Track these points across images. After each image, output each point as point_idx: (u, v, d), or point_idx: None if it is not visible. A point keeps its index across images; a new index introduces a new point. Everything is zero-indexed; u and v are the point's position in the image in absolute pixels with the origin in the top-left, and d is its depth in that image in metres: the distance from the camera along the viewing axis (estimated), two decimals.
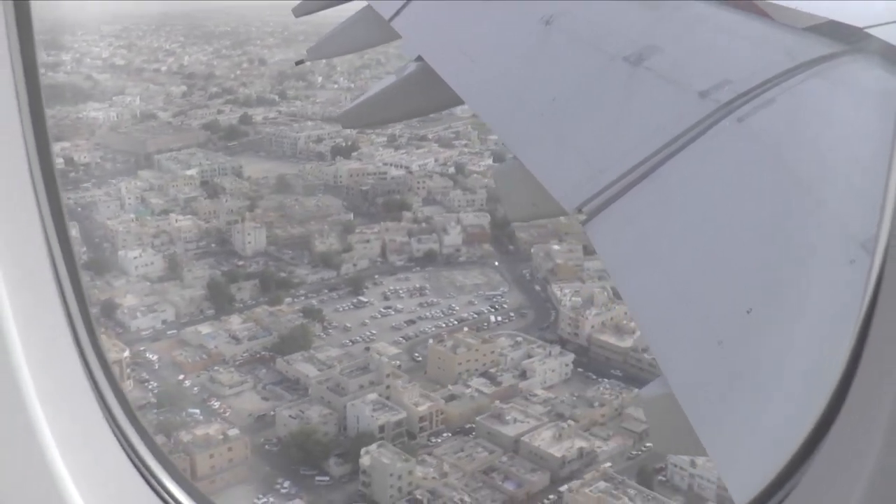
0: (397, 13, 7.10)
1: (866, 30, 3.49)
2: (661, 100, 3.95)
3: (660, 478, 62.69)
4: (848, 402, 2.07)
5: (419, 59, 6.36)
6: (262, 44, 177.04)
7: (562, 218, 5.07)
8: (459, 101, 5.74)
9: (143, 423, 3.58)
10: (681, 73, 4.01)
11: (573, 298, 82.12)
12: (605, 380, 73.93)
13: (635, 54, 4.25)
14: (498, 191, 5.42)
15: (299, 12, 10.52)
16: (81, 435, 3.32)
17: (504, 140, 4.89)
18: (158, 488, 3.49)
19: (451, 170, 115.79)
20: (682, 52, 4.29)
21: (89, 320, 3.37)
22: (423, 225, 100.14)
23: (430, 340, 78.73)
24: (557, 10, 5.25)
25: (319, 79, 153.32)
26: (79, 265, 3.37)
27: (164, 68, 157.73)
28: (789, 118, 3.39)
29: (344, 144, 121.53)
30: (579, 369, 75.72)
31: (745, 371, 2.66)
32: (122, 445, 3.45)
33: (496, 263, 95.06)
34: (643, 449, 65.21)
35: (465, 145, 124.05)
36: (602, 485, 58.59)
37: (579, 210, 3.65)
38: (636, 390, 70.79)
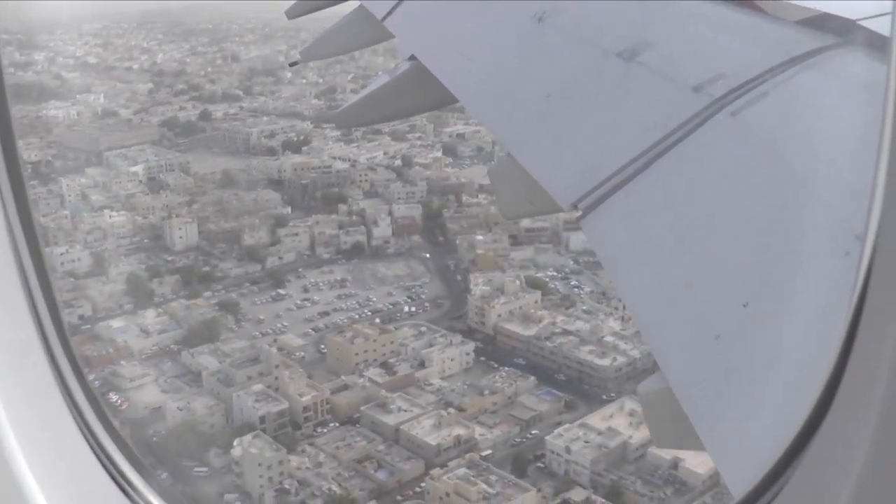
0: (390, 12, 7.11)
1: (858, 22, 3.52)
2: (655, 95, 3.98)
3: (538, 464, 62.82)
4: (838, 397, 2.08)
5: (412, 58, 6.41)
6: (241, 41, 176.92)
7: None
8: (454, 100, 5.77)
9: (115, 424, 3.51)
10: (674, 68, 4.05)
11: (483, 287, 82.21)
12: (505, 368, 73.90)
13: (628, 50, 4.26)
14: (493, 188, 5.52)
15: (292, 14, 10.49)
16: (50, 439, 3.26)
17: (498, 137, 5.05)
18: (130, 491, 3.41)
19: (398, 162, 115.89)
20: (674, 48, 4.35)
21: (59, 321, 3.33)
22: (355, 217, 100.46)
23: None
24: (550, 7, 5.29)
25: (289, 74, 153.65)
26: (48, 265, 3.31)
27: (136, 66, 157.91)
28: (783, 111, 3.41)
29: (295, 139, 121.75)
30: (482, 358, 75.45)
31: (743, 365, 2.68)
32: (92, 448, 3.37)
33: (426, 255, 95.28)
34: (529, 436, 65.40)
35: (419, 138, 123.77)
36: (462, 471, 58.86)
37: (575, 206, 3.67)
38: (532, 378, 71.05)
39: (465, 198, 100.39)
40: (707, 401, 2.70)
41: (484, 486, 57.24)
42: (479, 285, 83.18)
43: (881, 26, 3.33)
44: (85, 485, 3.37)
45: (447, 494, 57.40)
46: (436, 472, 59.61)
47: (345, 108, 8.44)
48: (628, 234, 3.56)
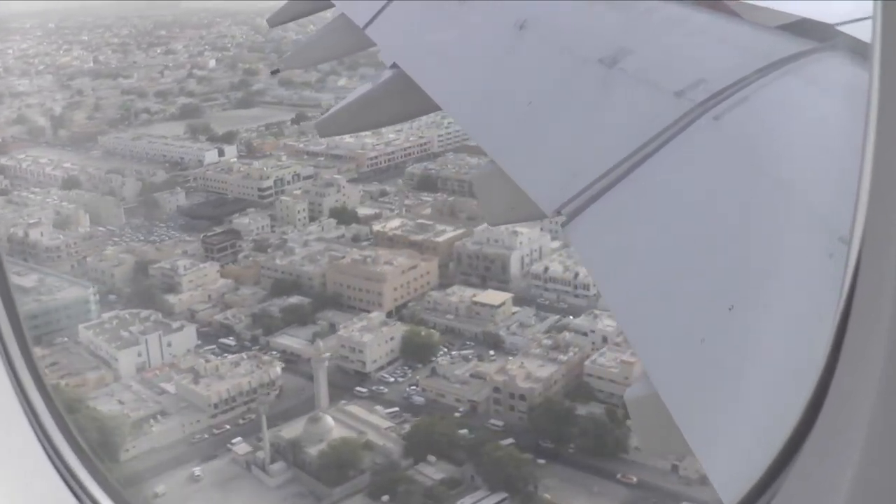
0: (371, 21, 7.15)
1: (837, 27, 3.51)
2: (637, 100, 3.98)
3: None
4: (830, 397, 2.06)
5: (394, 66, 6.37)
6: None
7: None
8: (436, 107, 5.76)
9: (79, 438, 3.46)
10: (655, 73, 4.06)
11: None
12: None
13: (610, 56, 4.27)
14: (476, 195, 5.47)
15: (273, 22, 10.52)
16: (10, 451, 3.25)
17: (481, 144, 4.95)
18: (83, 495, 3.35)
19: None
20: (656, 54, 4.36)
21: (21, 332, 3.34)
22: None
23: None
24: (531, 14, 5.29)
25: None
26: (8, 277, 3.31)
27: None
28: (764, 116, 3.43)
29: None
30: None
31: (729, 368, 2.68)
32: (51, 460, 3.33)
33: None
34: None
35: None
36: None
37: (558, 212, 3.65)
38: None
39: None
40: (694, 404, 2.70)
41: None
42: None
43: (860, 31, 3.35)
44: (42, 493, 3.33)
45: None
46: None
47: (326, 116, 8.07)
48: (612, 238, 3.55)
